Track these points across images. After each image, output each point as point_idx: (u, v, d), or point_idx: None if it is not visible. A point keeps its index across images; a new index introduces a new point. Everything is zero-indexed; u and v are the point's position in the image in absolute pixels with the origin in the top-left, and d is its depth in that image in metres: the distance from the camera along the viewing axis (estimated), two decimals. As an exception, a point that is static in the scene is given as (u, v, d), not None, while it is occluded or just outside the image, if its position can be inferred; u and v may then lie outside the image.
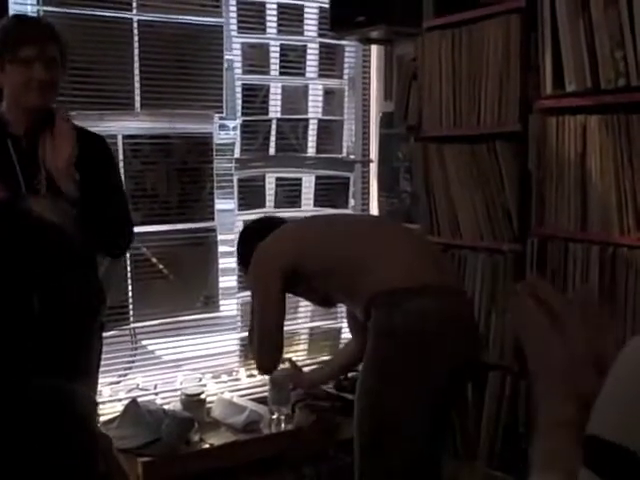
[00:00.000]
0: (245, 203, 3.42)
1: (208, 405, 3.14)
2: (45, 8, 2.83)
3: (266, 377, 3.09)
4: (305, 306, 3.63)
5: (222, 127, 3.48)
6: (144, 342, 3.26)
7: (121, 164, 3.00)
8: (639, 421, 0.59)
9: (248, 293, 3.41)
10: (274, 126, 3.50)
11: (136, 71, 3.06)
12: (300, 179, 3.63)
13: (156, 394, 3.21)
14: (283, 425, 3.05)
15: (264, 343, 2.63)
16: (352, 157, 3.76)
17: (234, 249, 3.39)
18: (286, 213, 3.52)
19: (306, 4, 3.52)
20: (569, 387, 0.76)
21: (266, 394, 3.19)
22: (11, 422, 2.06)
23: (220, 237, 3.33)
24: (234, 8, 3.32)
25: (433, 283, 2.38)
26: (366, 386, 2.38)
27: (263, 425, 3.06)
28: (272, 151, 3.51)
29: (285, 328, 3.54)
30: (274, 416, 3.06)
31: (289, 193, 3.59)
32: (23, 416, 2.08)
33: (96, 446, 2.30)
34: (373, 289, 2.40)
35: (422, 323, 2.30)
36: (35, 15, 2.80)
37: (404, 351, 2.30)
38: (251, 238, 2.75)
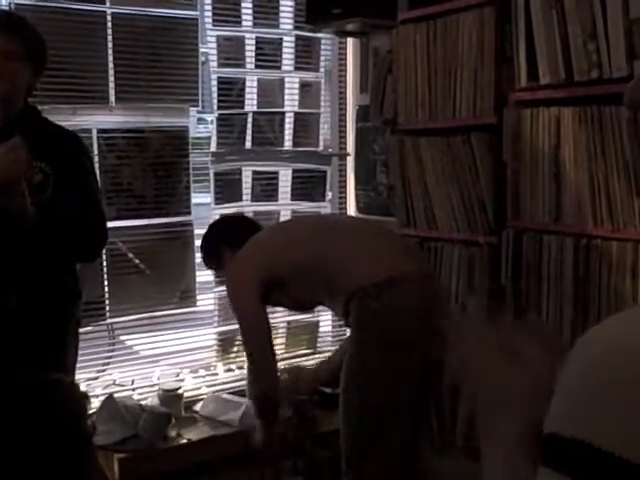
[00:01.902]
0: (222, 197, 3.40)
1: (186, 400, 3.14)
2: (17, 0, 2.80)
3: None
4: None
5: (200, 121, 3.47)
6: (121, 337, 3.25)
7: (96, 159, 2.96)
8: (596, 414, 0.59)
9: (224, 288, 3.42)
10: (250, 119, 3.49)
11: (110, 64, 3.03)
12: (277, 173, 3.61)
13: (133, 390, 3.19)
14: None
15: (258, 362, 2.59)
16: (329, 150, 3.75)
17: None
18: (263, 207, 3.52)
19: (281, -3, 3.51)
20: (530, 416, 0.76)
21: (244, 387, 3.18)
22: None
23: (197, 231, 3.31)
24: (209, 1, 3.30)
25: (405, 271, 2.40)
26: (349, 380, 2.41)
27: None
28: (248, 145, 3.50)
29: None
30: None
31: (266, 187, 3.57)
32: (13, 408, 2.08)
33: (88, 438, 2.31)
34: (349, 287, 2.41)
35: (399, 313, 2.32)
36: (6, 8, 2.76)
37: (384, 342, 2.32)
38: (217, 239, 2.80)
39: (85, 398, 2.44)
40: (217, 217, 3.36)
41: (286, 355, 3.62)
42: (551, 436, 0.62)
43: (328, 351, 3.74)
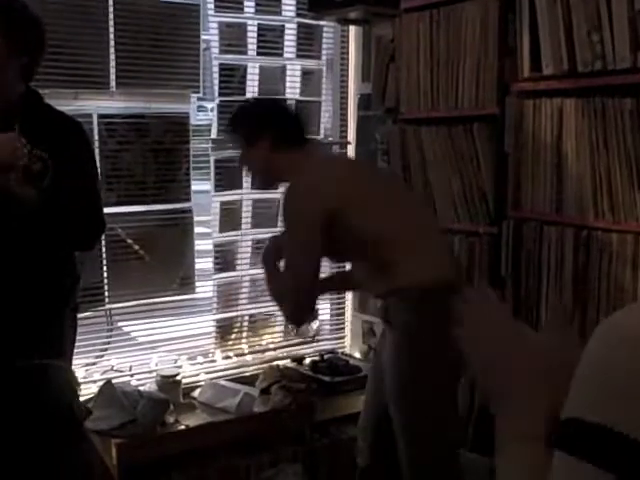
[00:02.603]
0: (222, 184, 3.40)
1: (184, 386, 3.14)
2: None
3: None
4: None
5: (200, 108, 3.45)
6: (119, 323, 3.25)
7: (96, 144, 2.96)
8: (618, 400, 0.59)
9: (224, 275, 3.42)
10: (251, 107, 3.47)
11: (112, 49, 3.02)
12: (277, 160, 3.60)
13: (131, 375, 3.20)
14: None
15: (300, 290, 2.31)
16: (330, 139, 3.74)
17: (209, 230, 3.40)
18: (263, 195, 3.51)
19: (284, -16, 3.50)
20: (542, 401, 0.75)
21: (242, 375, 3.19)
22: None
23: (196, 218, 3.31)
24: (211, -13, 3.28)
25: (453, 281, 2.24)
26: (410, 400, 2.26)
27: (256, 407, 3.07)
28: (249, 132, 3.48)
29: (261, 310, 3.55)
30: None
31: (266, 174, 3.56)
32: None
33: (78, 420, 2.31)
34: (407, 279, 2.23)
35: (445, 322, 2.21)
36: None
37: (443, 357, 2.05)
38: (269, 121, 2.43)
39: (75, 382, 2.43)
40: (217, 204, 3.37)
41: (284, 343, 3.62)
42: (570, 421, 0.62)
43: (327, 339, 3.76)
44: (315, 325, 2.33)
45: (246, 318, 3.54)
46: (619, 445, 0.58)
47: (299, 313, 2.43)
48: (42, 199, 2.06)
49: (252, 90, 3.47)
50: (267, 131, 2.40)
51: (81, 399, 2.86)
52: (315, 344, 3.70)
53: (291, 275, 2.31)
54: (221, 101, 3.37)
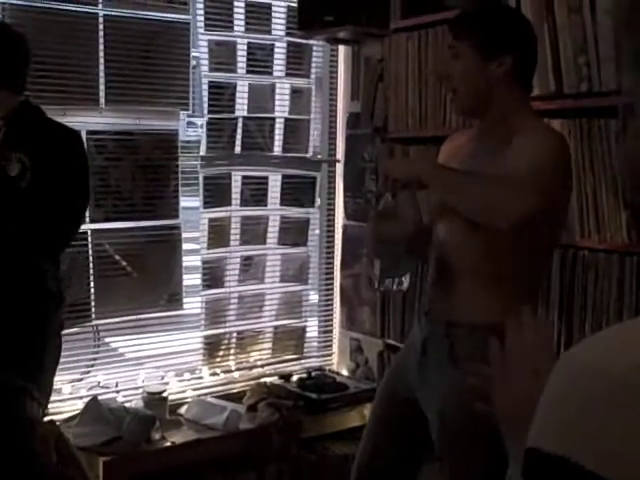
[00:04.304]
0: (210, 201, 3.40)
1: (171, 403, 3.13)
2: (8, 0, 2.79)
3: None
4: (270, 305, 3.63)
5: (189, 124, 3.47)
6: (106, 339, 3.24)
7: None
8: (575, 430, 0.60)
9: (213, 291, 3.42)
10: (240, 124, 3.49)
11: (101, 66, 3.03)
12: (266, 178, 3.62)
13: (117, 392, 3.18)
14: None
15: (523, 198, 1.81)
16: (319, 157, 3.76)
17: (197, 246, 3.40)
18: (251, 212, 3.53)
19: (274, 3, 3.52)
20: None
21: (229, 392, 3.19)
22: None
23: (185, 235, 3.32)
24: (201, 5, 3.30)
25: None
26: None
27: (243, 424, 3.06)
28: (238, 149, 3.50)
29: (249, 327, 3.57)
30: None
31: (255, 192, 3.57)
32: None
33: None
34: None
35: None
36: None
37: None
38: (518, 42, 1.97)
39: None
40: (205, 221, 3.37)
41: (272, 360, 3.62)
42: (530, 450, 0.63)
43: (314, 356, 3.76)
44: (406, 282, 1.98)
45: (234, 335, 3.54)
46: (574, 475, 0.59)
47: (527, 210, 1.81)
48: (14, 197, 2.08)
49: (241, 108, 3.49)
50: (514, 50, 1.93)
51: (64, 419, 2.86)
52: (303, 361, 3.71)
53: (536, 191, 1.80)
54: (210, 118, 3.38)
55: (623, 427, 0.57)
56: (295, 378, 3.51)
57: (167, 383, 3.28)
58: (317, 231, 3.75)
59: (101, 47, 3.02)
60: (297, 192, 3.66)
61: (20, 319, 2.19)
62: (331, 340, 3.80)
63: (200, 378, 3.41)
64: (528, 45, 2.00)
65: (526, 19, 2.09)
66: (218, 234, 3.44)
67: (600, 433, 0.58)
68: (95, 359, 3.19)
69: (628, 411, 0.58)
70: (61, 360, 2.43)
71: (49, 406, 2.47)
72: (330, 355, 3.80)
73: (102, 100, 3.06)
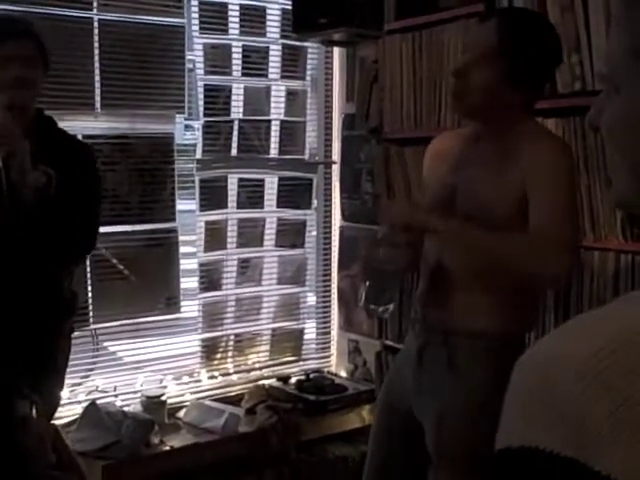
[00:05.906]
0: (207, 204, 3.41)
1: (169, 407, 3.13)
2: (3, 7, 2.80)
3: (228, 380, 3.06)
4: (268, 307, 3.64)
5: (186, 128, 3.47)
6: (104, 344, 3.24)
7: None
8: (539, 420, 0.60)
9: (210, 294, 3.42)
10: (236, 127, 3.50)
11: (97, 71, 3.04)
12: (263, 180, 3.62)
13: (116, 396, 3.19)
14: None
15: (577, 243, 1.97)
16: (315, 158, 3.76)
17: (194, 249, 3.40)
18: (248, 214, 3.53)
19: (268, 5, 3.53)
20: None
21: (227, 394, 3.19)
22: None
23: (181, 238, 3.32)
24: (196, 9, 3.31)
25: None
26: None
27: (241, 427, 3.06)
28: (234, 152, 3.50)
29: (247, 329, 3.57)
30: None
31: (252, 194, 3.58)
32: None
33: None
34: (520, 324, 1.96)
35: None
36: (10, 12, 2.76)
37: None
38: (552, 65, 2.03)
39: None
40: (202, 224, 3.38)
41: (270, 362, 3.62)
42: (500, 452, 0.63)
43: (312, 358, 3.76)
44: (391, 306, 2.00)
45: (231, 337, 3.54)
46: (545, 462, 0.59)
47: (569, 269, 1.91)
48: (43, 208, 2.09)
49: (237, 110, 3.49)
50: (549, 71, 2.05)
51: (62, 424, 2.86)
52: (301, 363, 3.71)
53: (572, 229, 1.86)
54: (206, 121, 3.39)
55: (585, 407, 0.57)
56: (293, 380, 3.51)
57: (165, 387, 3.28)
58: (314, 233, 3.75)
59: (96, 51, 3.03)
60: (294, 194, 3.67)
61: (33, 325, 2.21)
62: (329, 342, 3.81)
63: (198, 381, 3.41)
64: (552, 64, 2.01)
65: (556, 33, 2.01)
66: (215, 237, 3.45)
67: (563, 416, 0.58)
68: (93, 363, 3.19)
69: (589, 391, 0.58)
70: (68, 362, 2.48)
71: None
72: (328, 357, 3.80)
73: (98, 104, 3.06)
